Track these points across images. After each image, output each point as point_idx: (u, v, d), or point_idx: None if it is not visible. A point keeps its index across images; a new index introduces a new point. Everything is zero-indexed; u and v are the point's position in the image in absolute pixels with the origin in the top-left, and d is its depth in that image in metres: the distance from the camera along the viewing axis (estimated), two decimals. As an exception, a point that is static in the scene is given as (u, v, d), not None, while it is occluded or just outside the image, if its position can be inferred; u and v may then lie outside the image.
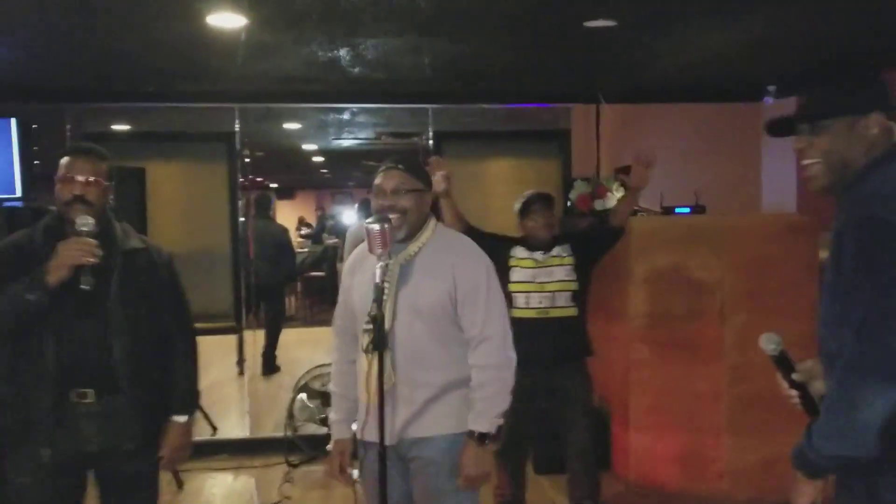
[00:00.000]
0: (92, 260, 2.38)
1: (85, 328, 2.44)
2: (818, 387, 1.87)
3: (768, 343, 1.90)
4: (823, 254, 5.10)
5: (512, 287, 3.73)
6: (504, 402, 2.46)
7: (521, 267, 3.76)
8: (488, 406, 2.43)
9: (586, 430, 3.79)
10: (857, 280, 1.59)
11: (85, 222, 2.41)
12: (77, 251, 2.36)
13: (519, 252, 3.79)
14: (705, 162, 5.77)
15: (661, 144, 5.65)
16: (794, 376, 1.88)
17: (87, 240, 2.39)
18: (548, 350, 3.66)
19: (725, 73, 5.24)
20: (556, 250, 3.78)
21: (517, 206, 3.81)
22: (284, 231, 7.73)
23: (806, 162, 1.80)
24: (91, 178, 2.48)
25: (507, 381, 2.47)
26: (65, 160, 2.48)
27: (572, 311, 3.74)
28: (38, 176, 4.67)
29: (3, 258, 2.47)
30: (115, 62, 4.45)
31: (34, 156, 4.60)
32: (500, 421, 2.45)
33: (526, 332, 3.57)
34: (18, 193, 4.49)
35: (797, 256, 4.27)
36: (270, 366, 7.33)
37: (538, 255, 3.77)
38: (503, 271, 3.74)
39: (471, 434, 2.42)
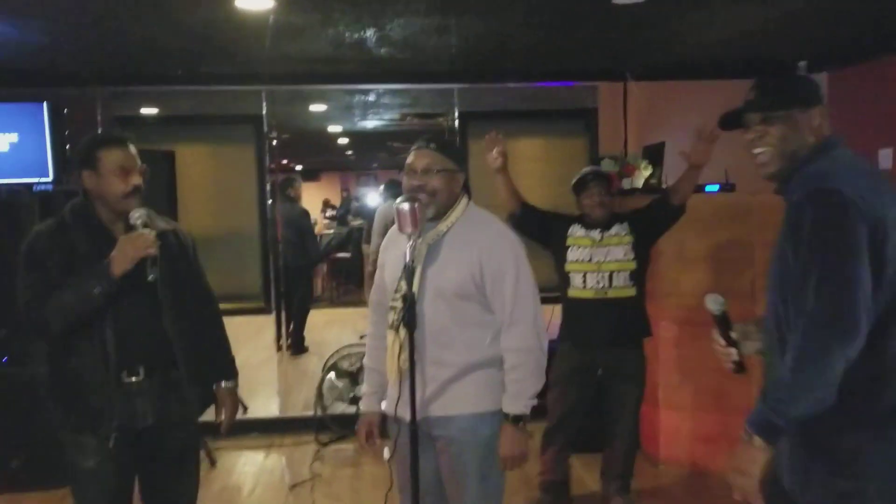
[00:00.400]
0: (154, 251, 2.44)
1: (137, 311, 2.50)
2: (749, 347, 2.09)
3: (713, 304, 2.08)
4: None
5: (569, 267, 3.75)
6: (537, 383, 2.47)
7: (579, 245, 3.76)
8: (521, 389, 2.45)
9: (635, 413, 3.82)
10: (814, 244, 1.73)
11: (139, 215, 2.47)
12: (141, 244, 2.42)
13: (576, 231, 3.79)
14: (735, 139, 5.66)
15: (688, 122, 5.61)
16: (732, 335, 2.08)
17: (147, 232, 2.45)
18: (605, 332, 3.68)
19: (755, 49, 5.16)
20: (614, 229, 3.76)
21: (573, 182, 3.82)
22: (305, 214, 7.76)
23: (758, 150, 1.97)
24: (143, 166, 2.54)
25: (538, 364, 2.48)
26: (115, 151, 2.49)
27: (631, 292, 3.72)
28: (69, 160, 4.73)
29: (45, 257, 2.47)
30: (145, 46, 4.49)
31: (65, 140, 4.65)
32: (534, 402, 2.47)
33: (584, 314, 3.77)
34: (50, 177, 4.55)
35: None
36: (299, 347, 7.42)
37: (595, 233, 3.75)
38: (561, 250, 3.82)
39: (506, 417, 2.45)
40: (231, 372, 2.83)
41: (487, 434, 2.47)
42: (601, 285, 3.69)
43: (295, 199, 7.68)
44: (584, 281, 3.71)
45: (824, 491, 1.83)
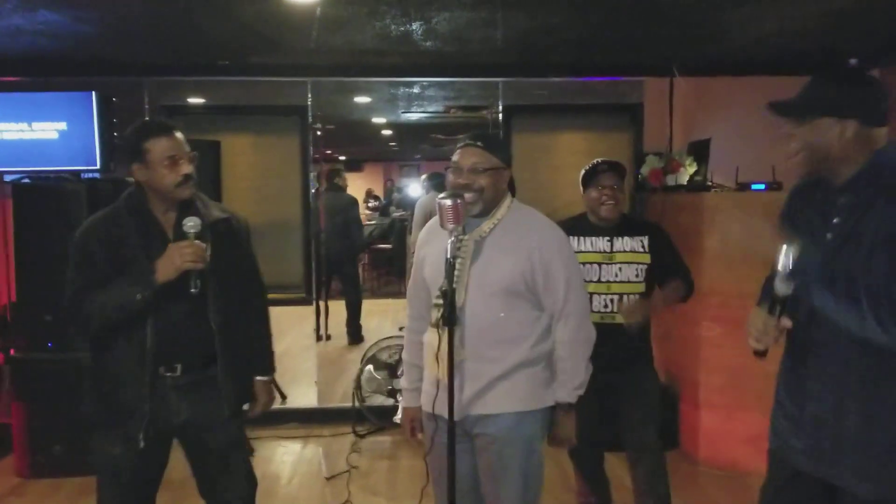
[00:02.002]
0: (200, 265, 2.42)
1: (181, 306, 2.49)
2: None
3: (785, 285, 1.91)
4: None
5: None
6: (586, 372, 2.53)
7: (584, 263, 3.28)
8: (569, 378, 2.50)
9: (655, 428, 3.43)
10: None
11: (194, 223, 2.44)
12: (189, 256, 2.40)
13: (581, 244, 3.33)
14: (782, 137, 5.59)
15: (736, 118, 5.52)
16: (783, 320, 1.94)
17: (198, 244, 2.42)
18: (609, 359, 3.10)
19: (803, 45, 5.05)
20: (627, 241, 3.32)
21: (582, 172, 3.37)
22: (353, 203, 7.80)
23: (790, 147, 1.98)
24: (193, 154, 2.52)
25: (587, 354, 2.54)
26: (164, 140, 2.46)
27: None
28: (117, 148, 4.81)
29: (94, 251, 2.48)
30: (193, 36, 4.54)
31: (113, 128, 4.72)
32: (581, 391, 2.53)
33: None
34: (98, 165, 4.62)
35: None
36: (356, 336, 7.47)
37: (604, 243, 3.32)
38: None
39: (557, 404, 2.52)
40: (268, 367, 2.82)
41: (529, 433, 2.48)
42: (608, 309, 3.29)
43: (343, 188, 7.72)
44: (591, 303, 3.20)
45: None
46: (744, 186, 4.60)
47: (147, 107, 5.41)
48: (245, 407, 2.75)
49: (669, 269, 3.37)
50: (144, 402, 2.48)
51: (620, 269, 3.29)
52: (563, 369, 2.51)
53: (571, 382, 2.50)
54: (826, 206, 1.97)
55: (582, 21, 4.27)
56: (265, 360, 2.82)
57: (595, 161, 3.36)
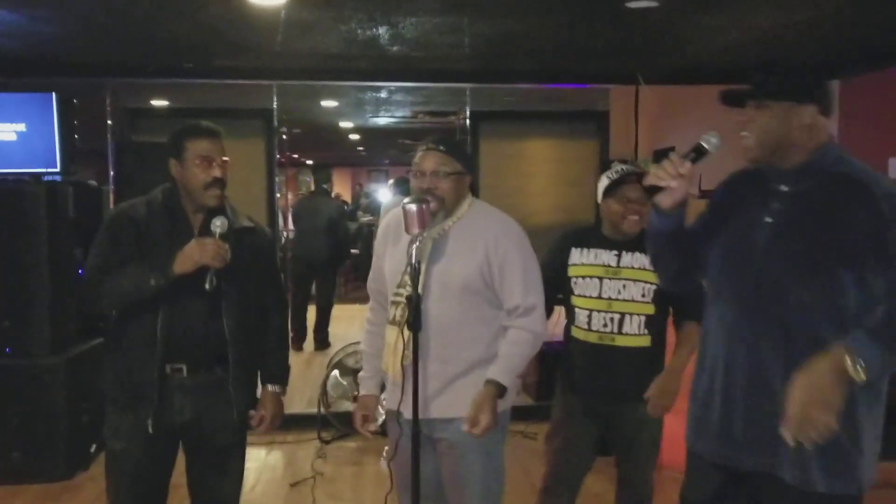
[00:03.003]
0: (219, 265, 2.45)
1: (195, 304, 2.51)
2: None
3: (713, 141, 2.02)
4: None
5: (574, 301, 2.99)
6: (525, 365, 2.50)
7: (586, 277, 2.96)
8: (515, 363, 2.46)
9: (651, 478, 3.15)
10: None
11: (221, 223, 2.48)
12: (211, 253, 2.43)
13: (583, 256, 2.99)
14: (738, 123, 5.66)
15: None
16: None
17: (221, 243, 2.45)
18: (608, 386, 2.94)
19: (767, 56, 5.13)
20: (637, 257, 2.91)
21: (604, 181, 2.95)
22: (339, 206, 7.76)
23: (743, 133, 1.99)
24: (226, 159, 2.56)
25: (535, 350, 2.51)
26: (203, 141, 2.51)
27: (643, 342, 2.91)
28: (77, 150, 4.73)
29: (124, 232, 2.51)
30: (155, 38, 4.48)
31: (74, 130, 4.65)
32: (519, 382, 2.51)
33: (585, 360, 2.99)
34: (58, 168, 4.53)
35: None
36: (323, 342, 7.42)
37: (611, 256, 2.94)
38: (565, 285, 3.01)
39: (489, 382, 2.40)
40: (281, 378, 2.80)
41: (489, 437, 2.45)
42: (608, 329, 2.91)
43: (329, 193, 7.67)
44: (589, 320, 2.93)
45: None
46: (706, 194, 4.63)
47: (109, 109, 5.33)
48: (251, 414, 2.74)
49: (684, 303, 2.91)
50: (154, 391, 2.49)
51: (625, 286, 2.90)
52: (515, 354, 2.45)
53: (516, 369, 2.45)
54: (766, 193, 2.00)
55: (549, 28, 4.30)
56: (279, 372, 2.80)
57: (620, 168, 2.97)
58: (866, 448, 1.91)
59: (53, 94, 4.51)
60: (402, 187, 7.02)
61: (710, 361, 2.09)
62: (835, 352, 1.72)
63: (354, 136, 10.69)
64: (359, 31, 4.24)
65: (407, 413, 2.40)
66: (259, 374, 2.75)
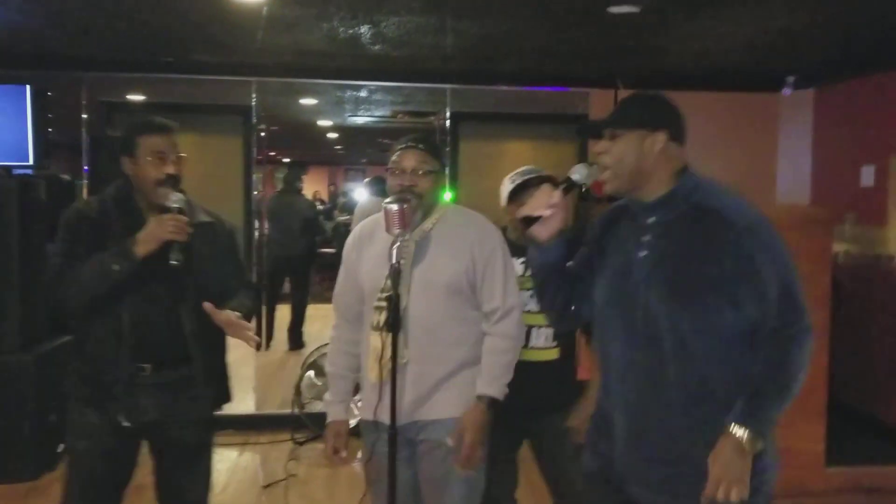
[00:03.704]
0: (182, 238, 2.40)
1: (158, 303, 2.47)
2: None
3: (585, 173, 2.04)
4: (837, 246, 5.11)
5: None
6: (511, 372, 2.48)
7: None
8: (503, 373, 2.46)
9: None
10: (780, 262, 1.89)
11: (177, 198, 2.43)
12: (171, 227, 2.38)
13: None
14: (721, 151, 5.72)
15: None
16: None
17: (180, 217, 2.41)
18: (518, 403, 2.61)
19: (745, 63, 5.18)
20: None
21: (508, 186, 2.80)
22: (313, 206, 7.71)
23: (602, 164, 2.01)
24: (181, 155, 2.51)
25: (517, 352, 2.51)
26: (155, 137, 2.46)
27: (551, 355, 2.83)
28: (51, 144, 4.66)
29: (79, 230, 2.47)
30: (134, 31, 4.42)
31: (48, 124, 4.58)
32: (507, 390, 2.47)
33: None
34: (30, 161, 4.46)
35: (810, 248, 4.23)
36: (297, 341, 7.36)
37: (520, 266, 2.73)
38: None
39: (480, 398, 2.43)
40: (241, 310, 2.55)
41: None
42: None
43: (300, 191, 7.62)
44: None
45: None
46: None
47: (85, 102, 5.26)
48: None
49: None
50: (119, 390, 2.45)
51: (532, 296, 2.69)
52: (498, 363, 2.46)
53: (504, 378, 2.46)
54: (637, 227, 2.02)
55: (530, 31, 4.31)
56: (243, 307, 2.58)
57: (525, 170, 2.81)
58: (768, 462, 1.94)
59: (28, 87, 4.44)
60: (378, 186, 6.99)
61: (603, 396, 2.11)
62: (731, 434, 1.84)
63: (333, 135, 10.63)
64: (340, 29, 4.22)
65: (386, 417, 2.36)
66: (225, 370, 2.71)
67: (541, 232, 2.03)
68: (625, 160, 1.97)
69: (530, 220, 2.02)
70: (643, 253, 1.99)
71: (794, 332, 1.88)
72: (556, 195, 2.01)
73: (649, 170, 1.97)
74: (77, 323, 2.54)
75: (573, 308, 2.16)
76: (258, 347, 5.84)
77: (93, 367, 2.49)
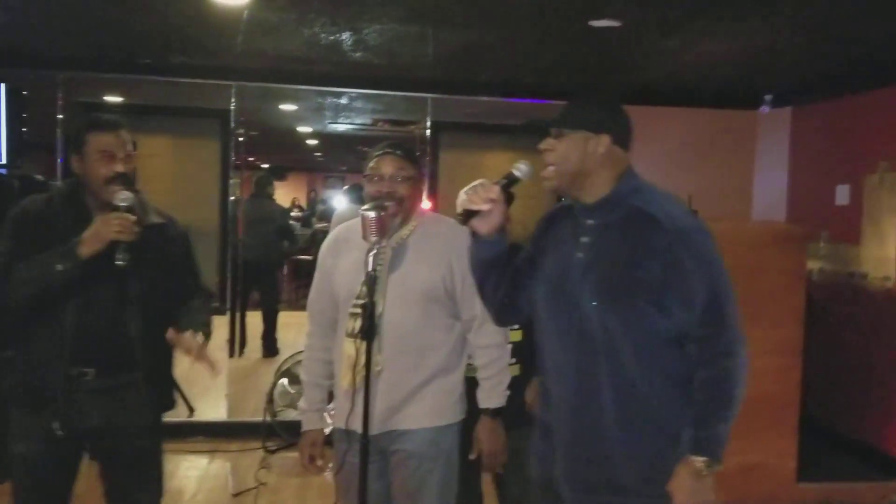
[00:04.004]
0: (130, 237, 2.34)
1: (103, 305, 2.41)
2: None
3: (524, 170, 2.07)
4: (812, 263, 5.15)
5: None
6: (508, 375, 2.53)
7: None
8: (498, 382, 2.49)
9: None
10: (714, 270, 1.91)
11: (125, 197, 2.36)
12: (117, 227, 2.31)
13: None
14: (700, 167, 5.77)
15: (656, 146, 5.66)
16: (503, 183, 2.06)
17: (127, 216, 2.34)
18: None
19: (724, 80, 5.23)
20: None
21: (463, 198, 2.58)
22: (283, 212, 7.65)
23: (546, 161, 2.04)
24: (131, 153, 2.46)
25: (507, 357, 2.54)
26: (103, 135, 2.41)
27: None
28: (26, 144, 4.60)
29: (25, 228, 2.41)
30: (112, 32, 4.38)
31: (23, 123, 4.51)
32: (508, 392, 2.51)
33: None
34: (3, 160, 4.40)
35: (785, 265, 4.28)
36: (271, 348, 7.29)
37: None
38: None
39: (485, 412, 2.49)
40: (201, 327, 2.50)
41: (448, 447, 2.46)
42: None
43: (271, 197, 7.57)
44: None
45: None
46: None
47: (60, 102, 5.19)
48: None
49: None
50: (59, 395, 2.39)
51: None
52: (492, 374, 2.49)
53: (500, 386, 2.50)
54: (576, 227, 2.05)
55: (512, 43, 4.31)
56: (201, 322, 2.52)
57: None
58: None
59: (2, 85, 4.39)
60: (356, 194, 6.95)
61: (543, 397, 2.14)
62: (688, 463, 1.89)
63: (312, 142, 10.59)
64: (322, 36, 4.21)
65: (358, 426, 2.33)
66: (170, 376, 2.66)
67: (480, 226, 2.05)
68: (568, 160, 1.99)
69: (470, 215, 2.03)
70: (580, 254, 2.01)
71: (721, 348, 1.90)
72: (495, 190, 2.02)
73: (591, 171, 1.99)
74: (18, 325, 2.45)
75: (514, 304, 2.17)
76: (230, 355, 5.79)
77: (33, 370, 2.42)
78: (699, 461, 1.89)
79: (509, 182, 2.06)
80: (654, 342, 1.93)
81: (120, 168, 2.40)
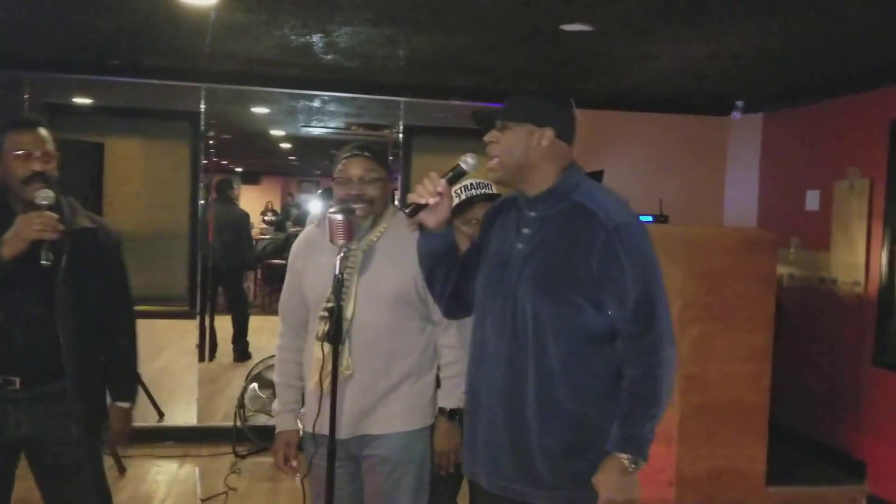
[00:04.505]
0: (53, 236, 2.30)
1: (29, 309, 2.36)
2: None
3: (471, 162, 2.12)
4: (782, 269, 5.19)
5: None
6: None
7: None
8: (458, 384, 2.44)
9: None
10: (648, 266, 1.93)
11: (45, 196, 2.33)
12: (38, 226, 2.27)
13: None
14: (671, 172, 5.81)
15: (628, 152, 5.68)
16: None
17: (48, 214, 2.31)
18: None
19: (696, 86, 5.26)
20: None
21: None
22: (245, 216, 7.59)
23: (490, 154, 2.07)
24: (50, 152, 2.41)
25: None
26: (20, 134, 2.38)
27: None
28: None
29: None
30: (79, 32, 4.32)
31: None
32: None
33: None
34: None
35: (755, 270, 4.29)
36: (243, 352, 7.21)
37: None
38: None
39: (441, 411, 2.47)
40: (127, 392, 2.64)
41: (420, 452, 2.45)
42: None
43: (234, 201, 7.51)
44: None
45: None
46: (661, 218, 4.72)
47: (27, 104, 5.12)
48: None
49: None
50: None
51: None
52: (453, 374, 2.47)
53: (461, 388, 2.42)
54: (519, 219, 2.09)
55: (485, 47, 4.31)
56: (125, 384, 2.64)
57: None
58: None
59: (-34, 84, 4.31)
60: (331, 197, 6.90)
61: (472, 386, 2.14)
62: (614, 458, 1.93)
63: (286, 145, 10.53)
64: (292, 38, 4.17)
65: (326, 430, 2.31)
66: (102, 388, 2.61)
67: (428, 219, 2.08)
68: (512, 152, 2.02)
69: (418, 208, 2.05)
70: (520, 245, 2.04)
71: (648, 347, 1.92)
72: (442, 183, 2.06)
73: (534, 164, 2.02)
74: None
75: (463, 295, 2.19)
76: (200, 360, 5.72)
77: None
78: (625, 458, 1.92)
79: (456, 175, 2.10)
80: (581, 338, 1.95)
81: (37, 167, 2.37)
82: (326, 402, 2.31)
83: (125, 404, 2.62)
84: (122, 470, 4.62)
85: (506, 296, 2.02)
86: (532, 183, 2.04)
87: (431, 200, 2.05)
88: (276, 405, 2.63)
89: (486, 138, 2.08)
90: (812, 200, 5.32)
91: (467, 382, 2.19)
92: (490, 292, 2.09)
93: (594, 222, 1.94)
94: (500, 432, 2.03)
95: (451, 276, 2.18)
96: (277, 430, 2.59)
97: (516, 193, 2.12)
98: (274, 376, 2.67)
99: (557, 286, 1.96)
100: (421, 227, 2.12)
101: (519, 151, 2.01)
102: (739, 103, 5.87)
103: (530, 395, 1.98)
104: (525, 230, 2.05)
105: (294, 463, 2.55)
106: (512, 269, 2.03)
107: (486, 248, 2.15)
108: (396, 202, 2.48)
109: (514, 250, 2.05)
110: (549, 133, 2.01)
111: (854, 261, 4.88)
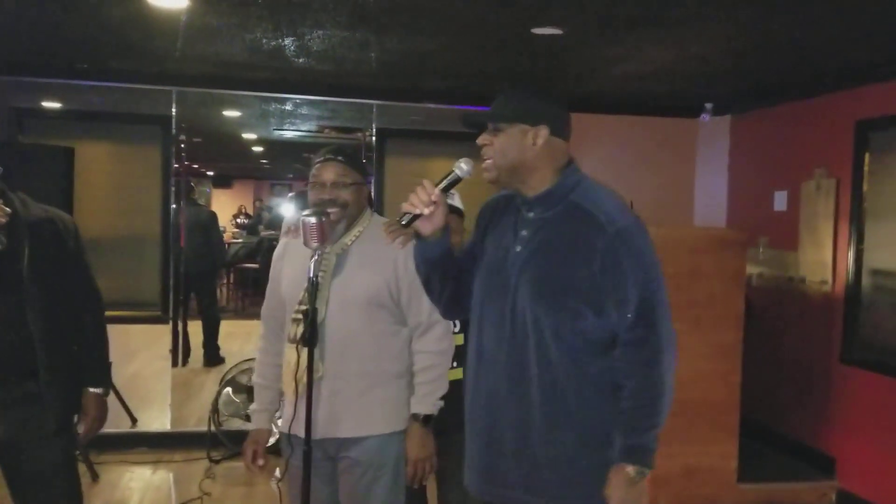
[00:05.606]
0: (2, 220, 2.30)
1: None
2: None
3: (465, 167, 2.06)
4: (751, 268, 5.27)
5: None
6: (444, 386, 2.48)
7: None
8: (433, 389, 2.45)
9: None
10: (651, 271, 1.91)
11: None
12: None
13: None
14: (641, 174, 5.86)
15: (598, 154, 5.73)
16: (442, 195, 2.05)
17: None
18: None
19: (665, 88, 5.32)
20: None
21: None
22: (212, 216, 7.54)
23: (484, 156, 2.03)
24: None
25: (447, 366, 2.50)
26: None
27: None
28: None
29: None
30: (49, 35, 4.27)
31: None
32: (441, 403, 2.46)
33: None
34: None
35: (725, 269, 4.36)
36: (214, 357, 7.14)
37: None
38: None
39: (415, 417, 2.45)
40: (99, 377, 2.62)
41: (395, 455, 2.45)
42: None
43: (199, 203, 7.45)
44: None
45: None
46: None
47: (-5, 109, 5.05)
48: (75, 420, 2.56)
49: None
50: None
51: None
52: (427, 380, 2.45)
53: (435, 394, 2.45)
54: (517, 220, 2.05)
55: (456, 49, 4.33)
56: (98, 371, 2.63)
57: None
58: None
59: (-68, 89, 4.25)
60: (303, 201, 6.87)
61: (472, 393, 2.12)
62: (620, 470, 1.91)
63: (258, 149, 10.48)
64: (264, 41, 4.17)
65: (301, 431, 2.33)
66: (76, 378, 2.60)
67: (423, 228, 2.05)
68: (507, 154, 1.98)
69: (413, 218, 2.03)
70: (519, 247, 2.01)
71: (648, 355, 1.89)
72: (435, 192, 2.02)
73: (532, 164, 1.98)
74: None
75: (461, 298, 2.16)
76: (174, 364, 5.68)
77: None
78: (630, 469, 1.90)
79: (451, 182, 2.05)
80: (582, 344, 1.92)
81: None
82: (301, 404, 2.32)
83: (98, 390, 2.60)
84: (94, 476, 4.58)
85: (504, 301, 1.99)
86: (530, 184, 2.00)
87: (426, 211, 2.01)
88: (254, 405, 2.65)
89: (479, 141, 2.04)
90: (780, 201, 5.40)
91: (465, 388, 2.17)
92: (488, 298, 2.05)
93: (594, 225, 1.91)
94: (500, 438, 2.00)
95: (448, 280, 2.15)
96: (252, 427, 2.62)
97: (511, 191, 2.08)
98: (253, 377, 2.68)
99: (557, 292, 1.92)
100: (416, 235, 2.08)
101: (514, 153, 1.98)
102: (708, 105, 5.94)
103: (535, 402, 1.95)
104: (523, 232, 2.01)
105: (261, 461, 2.55)
106: (510, 274, 1.99)
107: (482, 250, 2.12)
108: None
109: (512, 252, 2.01)
110: (543, 131, 1.98)
111: (821, 260, 4.96)
